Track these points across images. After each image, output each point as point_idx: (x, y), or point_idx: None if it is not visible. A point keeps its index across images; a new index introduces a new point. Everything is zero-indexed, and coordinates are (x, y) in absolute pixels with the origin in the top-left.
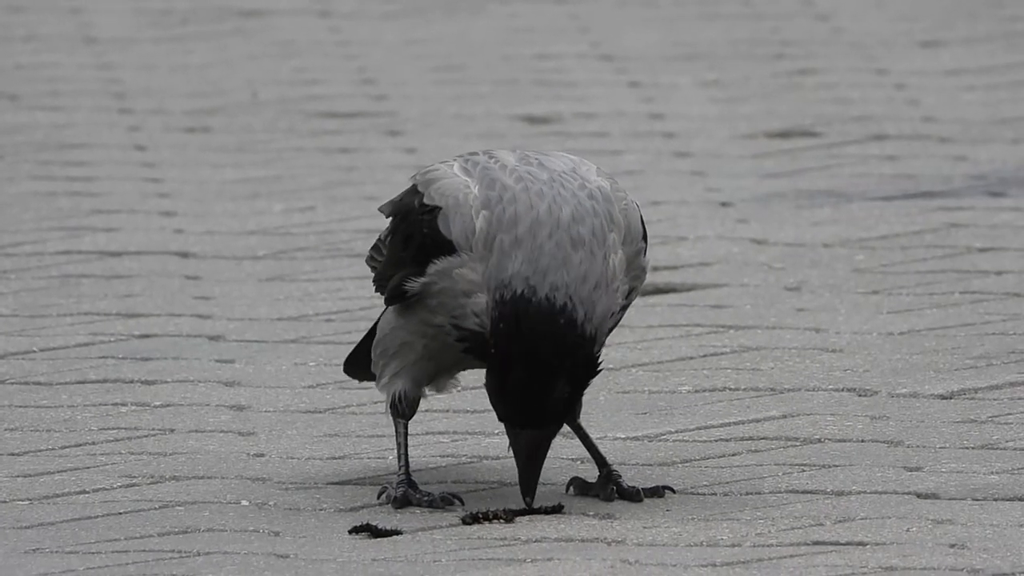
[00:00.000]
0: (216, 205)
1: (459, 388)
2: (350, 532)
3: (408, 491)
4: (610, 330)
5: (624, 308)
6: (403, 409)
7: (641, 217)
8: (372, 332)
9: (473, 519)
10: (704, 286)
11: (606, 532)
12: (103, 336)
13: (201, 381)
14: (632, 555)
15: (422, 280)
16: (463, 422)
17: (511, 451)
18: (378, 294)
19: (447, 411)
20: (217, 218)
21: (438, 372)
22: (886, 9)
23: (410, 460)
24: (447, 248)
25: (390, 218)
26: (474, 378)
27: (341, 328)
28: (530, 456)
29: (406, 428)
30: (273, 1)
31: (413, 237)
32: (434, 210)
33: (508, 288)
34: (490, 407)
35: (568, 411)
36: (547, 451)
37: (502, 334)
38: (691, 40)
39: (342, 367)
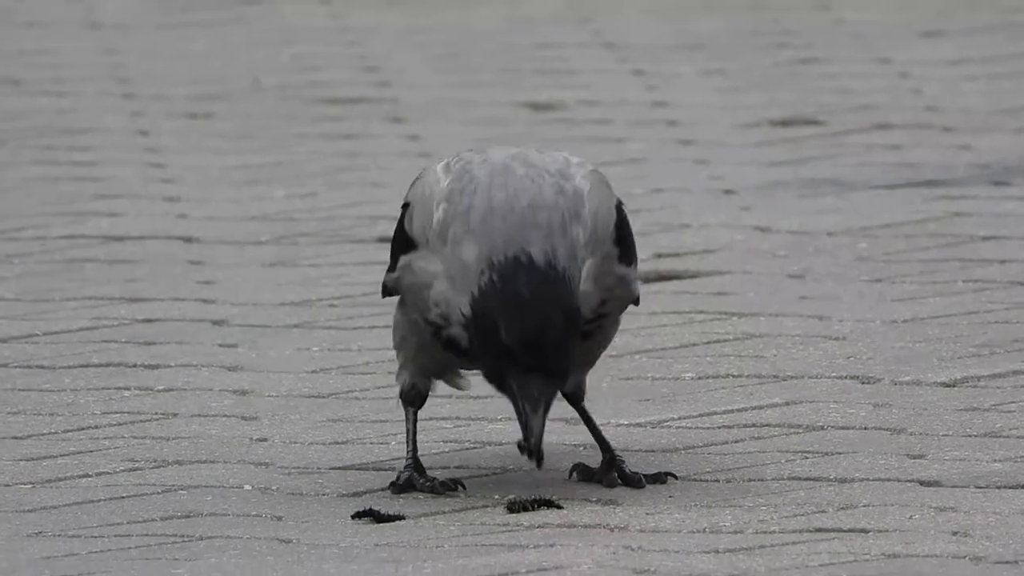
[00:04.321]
0: (219, 190)
1: (470, 388)
2: (353, 517)
3: (413, 475)
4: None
5: (594, 321)
6: (412, 397)
7: (620, 223)
8: None
9: (520, 507)
10: (707, 273)
11: (608, 518)
12: (106, 320)
13: (204, 366)
14: (635, 541)
15: (393, 275)
16: (466, 408)
17: (518, 400)
18: None
19: (450, 397)
20: (220, 203)
21: (437, 369)
22: None
23: (418, 446)
24: (411, 244)
25: None
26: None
27: (344, 314)
28: (542, 401)
29: (415, 415)
30: None
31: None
32: (407, 206)
33: (496, 254)
34: (494, 393)
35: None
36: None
37: (508, 288)
38: (694, 29)
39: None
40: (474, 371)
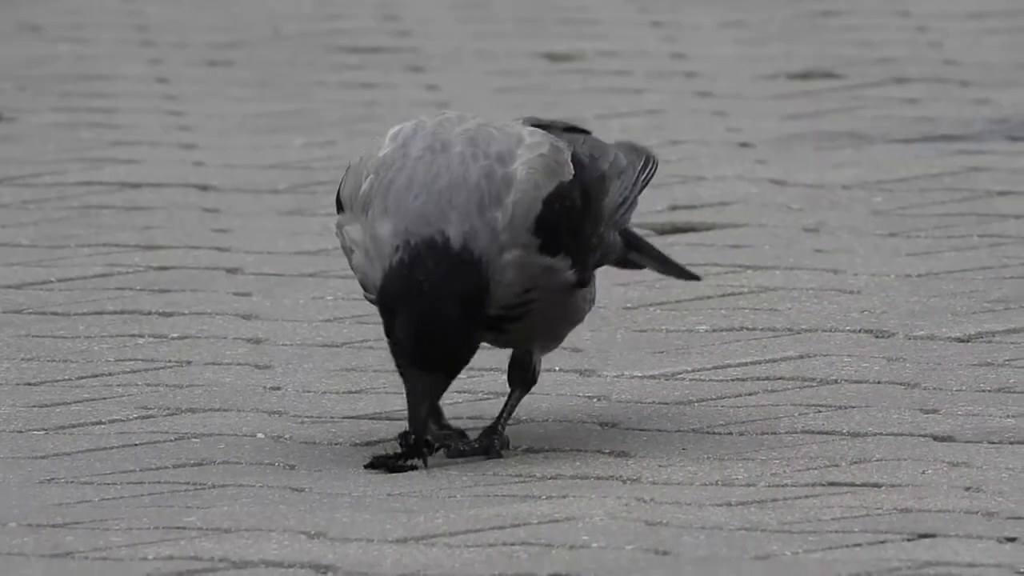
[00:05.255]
0: (237, 138)
1: None
2: (366, 467)
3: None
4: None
5: (520, 307)
6: None
7: (547, 215)
8: None
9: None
10: (723, 226)
11: (621, 470)
12: (121, 267)
13: (218, 314)
14: (647, 493)
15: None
16: (479, 359)
17: (409, 392)
18: None
19: None
20: (237, 151)
21: None
22: None
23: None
24: (340, 206)
25: None
26: None
27: None
28: (433, 397)
29: None
30: None
31: None
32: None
33: (412, 234)
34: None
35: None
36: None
37: (412, 273)
38: None
39: None
40: None
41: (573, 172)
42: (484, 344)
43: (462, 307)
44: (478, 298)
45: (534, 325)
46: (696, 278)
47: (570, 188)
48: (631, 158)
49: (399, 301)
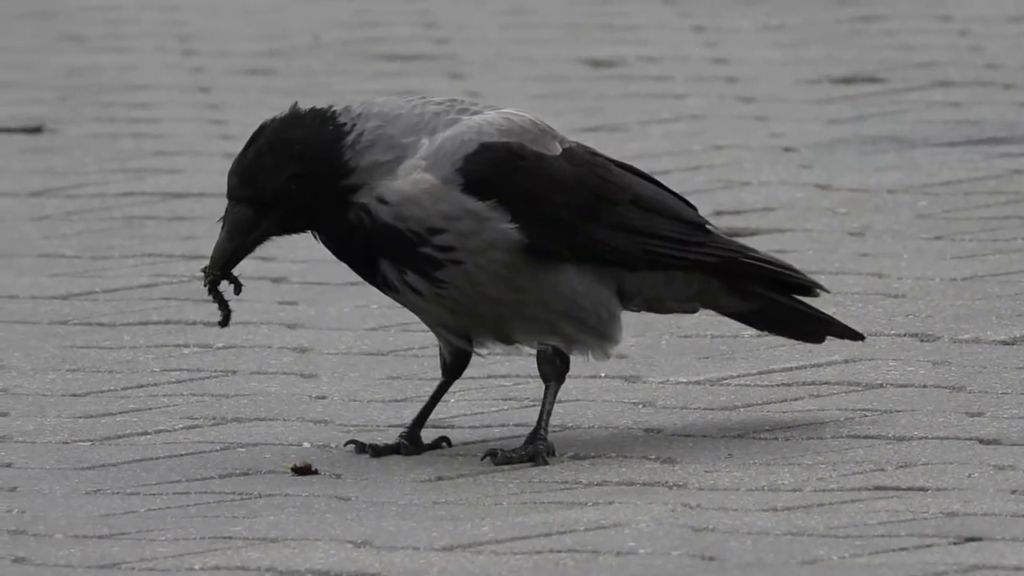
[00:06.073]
0: None
1: (488, 352)
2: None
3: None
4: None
5: (435, 250)
6: (440, 364)
7: (481, 157)
8: None
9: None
10: (768, 231)
11: (667, 476)
12: (166, 277)
13: (263, 323)
14: (693, 499)
15: None
16: (525, 366)
17: (225, 225)
18: None
19: (508, 354)
20: None
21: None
22: None
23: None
24: None
25: None
26: None
27: None
28: (242, 232)
29: (439, 384)
30: None
31: None
32: None
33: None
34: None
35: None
36: (255, 236)
37: (270, 123)
38: None
39: None
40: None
41: (560, 152)
42: (494, 351)
43: (288, 149)
44: (316, 153)
45: (480, 290)
46: (861, 337)
47: (539, 156)
48: (697, 226)
49: (249, 141)
